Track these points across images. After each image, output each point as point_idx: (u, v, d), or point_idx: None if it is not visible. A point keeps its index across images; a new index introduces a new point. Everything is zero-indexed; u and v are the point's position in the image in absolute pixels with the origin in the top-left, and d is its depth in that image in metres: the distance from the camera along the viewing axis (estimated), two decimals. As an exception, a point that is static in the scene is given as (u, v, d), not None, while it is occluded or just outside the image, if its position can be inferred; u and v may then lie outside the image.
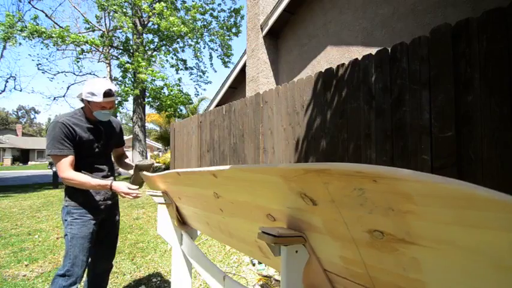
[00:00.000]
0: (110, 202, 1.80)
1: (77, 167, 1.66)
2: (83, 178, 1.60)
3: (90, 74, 13.70)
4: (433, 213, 0.42)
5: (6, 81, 14.54)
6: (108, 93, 1.61)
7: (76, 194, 1.67)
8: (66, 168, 1.58)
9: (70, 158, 1.59)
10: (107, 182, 1.65)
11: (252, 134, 4.23)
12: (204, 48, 18.05)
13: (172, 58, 12.74)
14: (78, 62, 12.03)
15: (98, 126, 1.74)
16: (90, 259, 1.74)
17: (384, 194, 0.46)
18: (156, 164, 1.84)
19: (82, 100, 1.67)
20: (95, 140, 1.71)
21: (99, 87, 1.59)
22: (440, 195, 0.39)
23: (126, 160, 2.07)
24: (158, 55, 12.23)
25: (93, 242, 1.69)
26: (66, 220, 1.65)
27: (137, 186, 1.68)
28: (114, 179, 1.86)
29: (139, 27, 10.98)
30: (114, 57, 12.18)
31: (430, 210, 0.42)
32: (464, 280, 0.46)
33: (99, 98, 1.59)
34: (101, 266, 1.86)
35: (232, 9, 12.80)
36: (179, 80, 12.52)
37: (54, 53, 17.18)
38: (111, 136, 1.84)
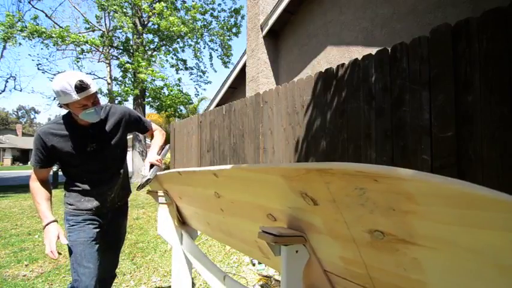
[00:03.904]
0: (104, 211, 1.62)
1: (70, 175, 1.57)
2: (37, 196, 1.48)
3: (90, 74, 13.66)
4: (434, 213, 0.42)
5: (6, 81, 14.54)
6: (80, 87, 1.30)
7: (67, 197, 1.57)
8: (32, 179, 1.51)
9: (39, 171, 1.49)
10: (46, 217, 1.44)
11: (252, 134, 4.23)
12: (204, 48, 18.07)
13: (172, 58, 12.72)
14: (78, 62, 12.02)
15: (87, 130, 1.51)
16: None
17: (385, 193, 0.46)
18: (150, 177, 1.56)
19: (61, 106, 1.41)
20: (80, 148, 1.49)
21: (69, 82, 1.29)
22: (442, 195, 0.39)
23: (156, 141, 1.76)
24: (158, 55, 12.22)
25: (96, 247, 1.54)
26: (66, 227, 1.56)
27: (56, 253, 1.40)
28: (124, 179, 1.70)
29: (139, 27, 10.97)
30: (114, 57, 12.17)
31: (431, 210, 0.42)
32: (466, 280, 0.46)
33: (73, 97, 1.30)
34: (103, 274, 1.69)
35: (232, 9, 12.79)
36: (179, 80, 12.52)
37: (54, 53, 17.15)
38: (110, 136, 1.58)
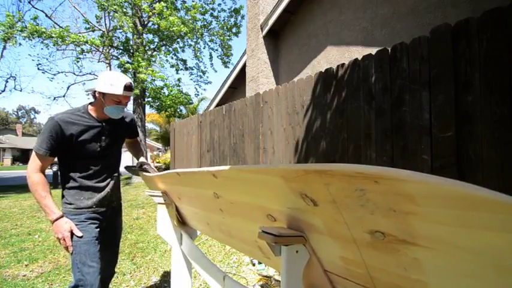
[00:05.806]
0: (103, 209, 1.65)
1: (73, 167, 1.57)
2: (42, 189, 1.45)
3: (90, 74, 13.62)
4: (434, 214, 0.42)
5: (6, 81, 14.48)
6: (129, 87, 1.53)
7: (66, 196, 1.57)
8: (34, 169, 1.46)
9: (44, 159, 1.47)
10: (54, 212, 1.46)
11: (252, 134, 4.23)
12: (204, 48, 18.02)
13: (172, 58, 12.69)
14: (78, 62, 11.98)
15: (103, 125, 1.61)
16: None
17: (386, 195, 0.46)
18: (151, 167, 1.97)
19: (94, 95, 1.56)
20: (95, 141, 1.57)
21: (120, 79, 1.52)
22: (442, 196, 0.39)
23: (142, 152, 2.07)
24: (158, 55, 12.19)
25: (99, 246, 1.56)
26: None
27: (70, 243, 1.47)
28: (117, 180, 1.77)
29: (140, 27, 10.95)
30: (114, 57, 12.15)
31: (432, 211, 0.42)
32: (466, 281, 0.46)
33: (118, 90, 1.50)
34: (103, 273, 1.68)
35: (232, 9, 12.78)
36: (179, 80, 12.49)
37: (54, 53, 17.07)
38: (119, 135, 1.74)
